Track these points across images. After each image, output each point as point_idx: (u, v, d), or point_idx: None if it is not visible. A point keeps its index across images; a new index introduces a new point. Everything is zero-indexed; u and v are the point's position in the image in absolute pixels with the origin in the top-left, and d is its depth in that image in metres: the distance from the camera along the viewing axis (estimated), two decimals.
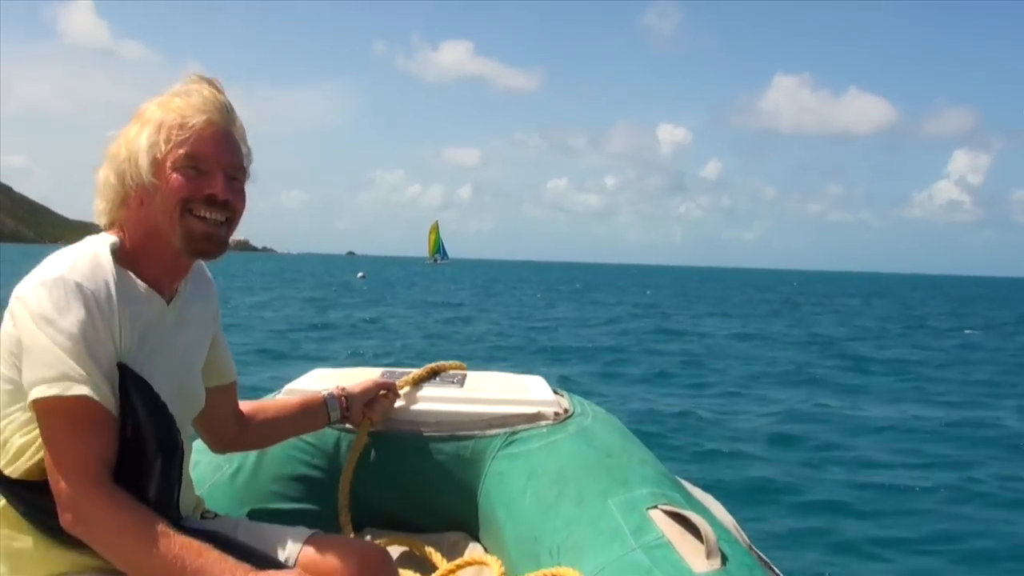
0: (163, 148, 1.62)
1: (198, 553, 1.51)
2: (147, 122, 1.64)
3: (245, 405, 2.16)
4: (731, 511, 2.55)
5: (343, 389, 2.37)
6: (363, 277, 72.64)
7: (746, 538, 2.31)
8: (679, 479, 2.49)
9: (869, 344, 23.90)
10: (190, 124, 1.63)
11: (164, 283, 1.72)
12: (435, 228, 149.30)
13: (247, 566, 1.53)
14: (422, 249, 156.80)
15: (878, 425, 10.77)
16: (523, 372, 2.88)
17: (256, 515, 2.30)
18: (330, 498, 2.41)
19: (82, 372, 1.52)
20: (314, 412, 2.31)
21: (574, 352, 19.39)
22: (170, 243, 1.66)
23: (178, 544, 1.51)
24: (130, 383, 1.59)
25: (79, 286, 1.55)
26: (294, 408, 2.27)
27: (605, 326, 27.68)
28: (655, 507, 2.07)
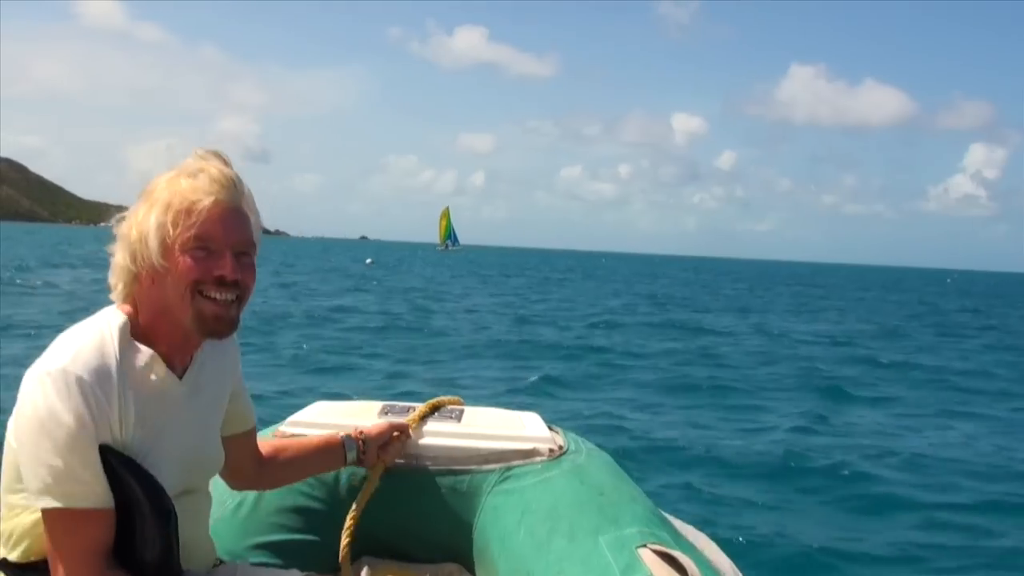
0: (171, 231, 1.65)
1: None
2: (155, 203, 1.66)
3: (265, 445, 2.23)
4: (729, 552, 2.59)
5: (361, 432, 2.44)
6: (371, 263, 70.39)
7: None
8: (671, 518, 2.54)
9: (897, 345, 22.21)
10: (198, 206, 1.65)
11: (176, 358, 1.76)
12: (446, 214, 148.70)
13: None
14: (435, 235, 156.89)
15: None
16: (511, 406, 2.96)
17: (258, 547, 2.39)
18: (331, 531, 2.46)
19: (76, 484, 1.58)
20: (333, 453, 2.39)
21: (549, 351, 17.39)
22: (181, 322, 1.70)
23: None
24: (121, 469, 1.63)
25: (79, 380, 1.57)
26: (313, 449, 2.35)
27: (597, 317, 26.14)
28: (644, 546, 2.13)
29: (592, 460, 2.59)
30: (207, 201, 1.65)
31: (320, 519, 2.50)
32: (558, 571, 2.14)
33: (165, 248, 1.65)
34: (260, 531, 2.43)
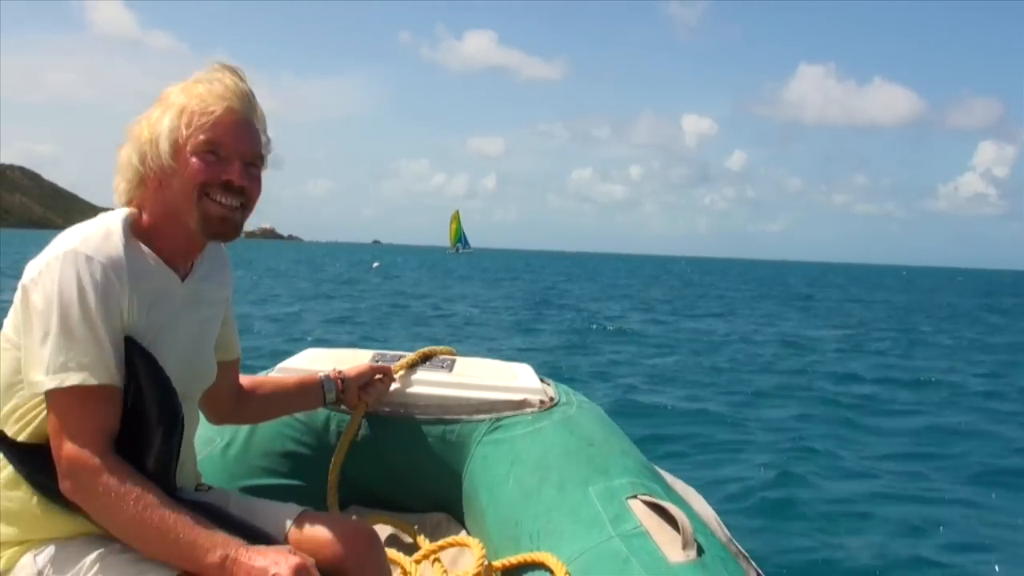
0: (184, 133, 1.67)
1: (192, 525, 1.57)
2: (170, 106, 1.69)
3: (243, 380, 2.22)
4: (715, 505, 2.56)
5: (340, 372, 2.44)
6: (378, 267, 66.63)
7: (726, 532, 2.34)
8: (661, 471, 2.52)
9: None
10: (211, 111, 1.67)
11: (178, 260, 1.77)
12: (456, 217, 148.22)
13: (238, 540, 1.59)
14: (447, 238, 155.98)
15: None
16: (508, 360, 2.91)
17: (245, 489, 2.35)
18: (318, 475, 2.47)
19: (82, 359, 1.58)
20: (311, 392, 2.37)
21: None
22: (186, 224, 1.71)
23: (174, 515, 1.57)
24: (135, 356, 1.65)
25: (89, 259, 1.60)
26: (291, 387, 2.34)
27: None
28: (634, 497, 2.11)
29: (583, 412, 2.58)
30: (221, 107, 1.68)
31: (307, 463, 2.50)
32: (547, 520, 2.14)
33: (176, 149, 1.67)
34: (247, 473, 2.43)
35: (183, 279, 1.78)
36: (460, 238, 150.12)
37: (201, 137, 1.67)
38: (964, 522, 6.28)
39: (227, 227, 1.74)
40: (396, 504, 2.58)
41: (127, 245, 1.66)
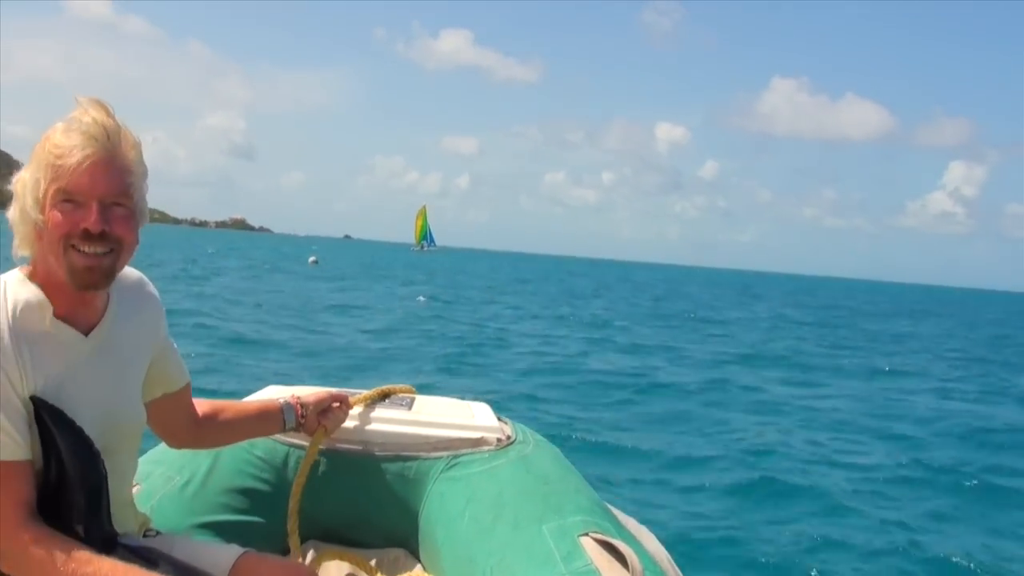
0: (43, 185, 1.66)
1: (126, 574, 1.62)
2: (32, 159, 1.69)
3: (204, 404, 2.25)
4: (667, 544, 2.67)
5: (298, 398, 2.49)
6: (315, 263, 59.54)
7: (677, 570, 2.46)
8: (614, 509, 2.58)
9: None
10: (64, 159, 1.65)
11: (79, 314, 1.76)
12: (422, 213, 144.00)
13: None
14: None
15: None
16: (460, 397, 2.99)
17: (204, 527, 2.39)
18: (278, 511, 2.49)
19: None
20: (270, 417, 2.42)
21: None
22: (62, 278, 1.70)
23: (106, 568, 1.61)
24: (46, 418, 1.66)
25: None
26: (251, 412, 2.38)
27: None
28: (586, 534, 2.17)
29: (539, 451, 2.64)
30: (74, 153, 1.64)
31: (267, 500, 2.52)
32: (500, 558, 2.18)
33: (39, 203, 1.66)
34: (205, 510, 2.43)
35: (88, 332, 1.77)
36: (426, 235, 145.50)
37: (55, 187, 1.65)
38: None
39: (94, 276, 1.70)
40: (354, 540, 2.62)
41: (17, 310, 1.67)
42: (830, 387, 16.07)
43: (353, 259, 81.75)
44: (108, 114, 1.69)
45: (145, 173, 1.75)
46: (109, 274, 1.72)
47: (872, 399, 14.70)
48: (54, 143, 1.66)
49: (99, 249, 1.68)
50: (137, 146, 1.73)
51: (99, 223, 1.66)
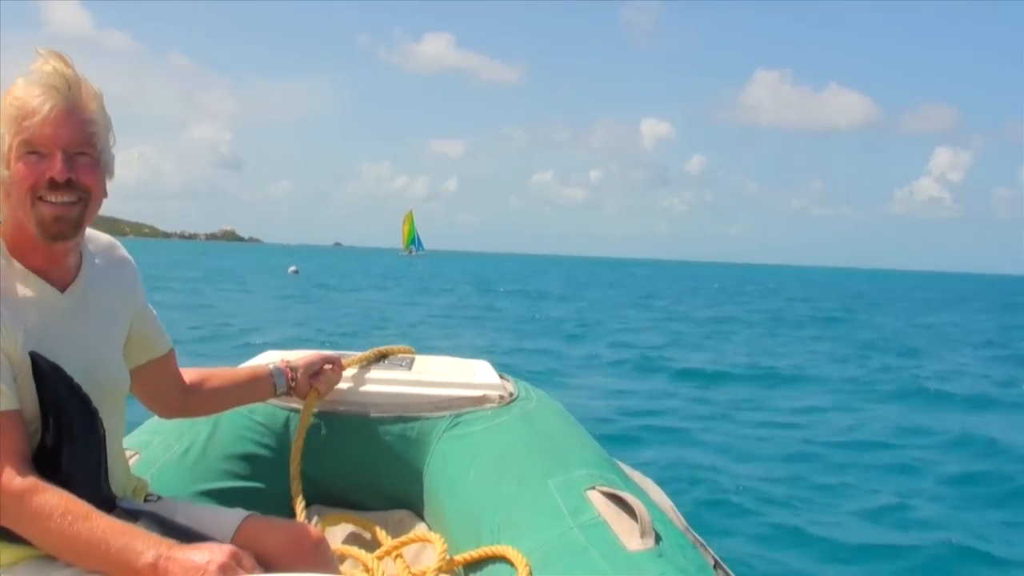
0: (7, 139, 1.65)
1: (122, 532, 1.56)
2: None
3: (193, 372, 2.23)
4: (672, 496, 2.67)
5: (288, 362, 2.47)
6: (295, 272, 55.17)
7: (683, 520, 2.44)
8: (618, 462, 2.60)
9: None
10: (26, 111, 1.64)
11: (52, 271, 1.75)
12: (409, 218, 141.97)
13: (171, 541, 1.56)
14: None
15: None
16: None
17: (206, 494, 2.39)
18: (279, 476, 2.50)
19: None
20: (261, 382, 2.39)
21: None
22: (32, 231, 1.69)
23: (102, 525, 1.56)
24: (38, 371, 1.65)
25: None
26: (241, 378, 2.36)
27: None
28: (593, 488, 2.17)
29: (542, 407, 2.64)
30: (35, 103, 1.63)
31: (268, 465, 2.51)
32: (507, 513, 2.18)
33: (4, 158, 1.65)
34: (207, 477, 2.43)
35: (64, 289, 1.76)
36: (413, 240, 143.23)
37: (19, 139, 1.64)
38: None
39: (63, 226, 1.68)
40: (358, 503, 2.62)
41: None
42: None
43: (337, 267, 78.89)
44: (68, 64, 1.68)
45: (108, 125, 1.74)
46: (78, 224, 1.71)
47: None
48: (15, 96, 1.65)
49: (66, 198, 1.66)
50: (98, 97, 1.72)
51: (65, 171, 1.64)
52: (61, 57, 1.69)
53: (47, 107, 1.64)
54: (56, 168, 1.64)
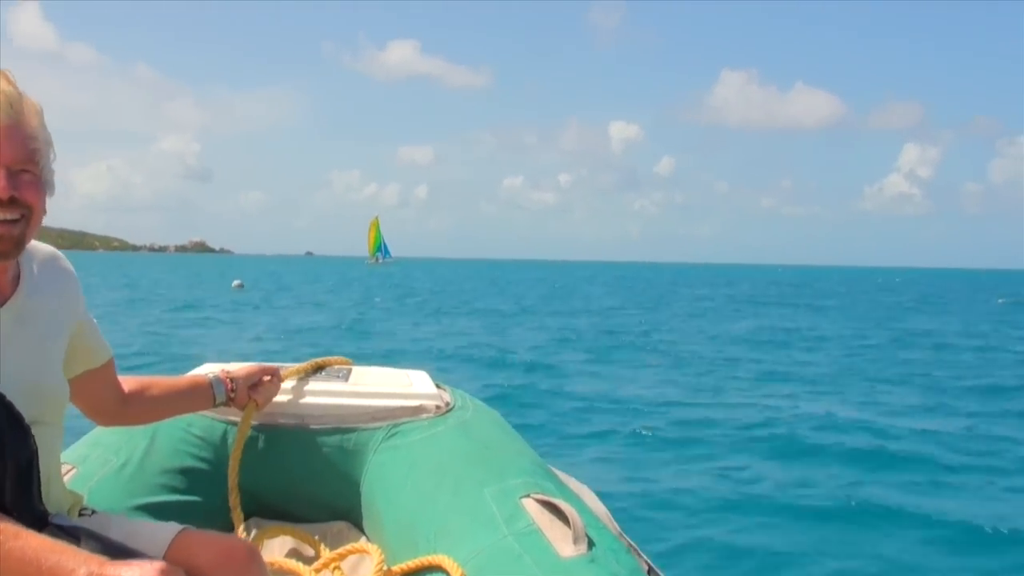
0: None
1: (52, 550, 1.54)
2: None
3: (131, 381, 2.25)
4: (605, 501, 2.70)
5: (228, 372, 2.50)
6: (239, 286, 50.57)
7: (616, 526, 2.45)
8: (554, 469, 2.64)
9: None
10: None
11: None
12: (375, 225, 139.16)
13: (102, 558, 1.55)
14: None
15: None
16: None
17: (143, 508, 2.39)
18: (217, 489, 2.51)
19: None
20: (200, 392, 2.41)
21: None
22: None
23: (33, 544, 1.54)
24: None
25: None
26: (180, 387, 2.38)
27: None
28: (527, 496, 2.22)
29: (479, 416, 2.68)
30: None
31: (206, 478, 2.53)
32: (443, 523, 2.22)
33: None
34: (144, 491, 2.43)
35: (2, 304, 1.75)
36: (380, 247, 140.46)
37: None
38: None
39: (5, 244, 1.68)
40: (297, 515, 2.64)
41: None
42: None
43: (296, 278, 75.25)
44: (9, 81, 1.69)
45: (50, 141, 1.75)
46: (20, 242, 1.71)
47: None
48: None
49: (9, 216, 1.66)
50: (40, 113, 1.73)
51: (7, 188, 1.64)
52: (2, 74, 1.69)
53: None
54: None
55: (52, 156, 1.76)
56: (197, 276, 74.84)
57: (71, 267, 1.98)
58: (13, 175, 1.67)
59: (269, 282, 62.61)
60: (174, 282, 58.96)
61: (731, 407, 11.59)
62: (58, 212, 1.78)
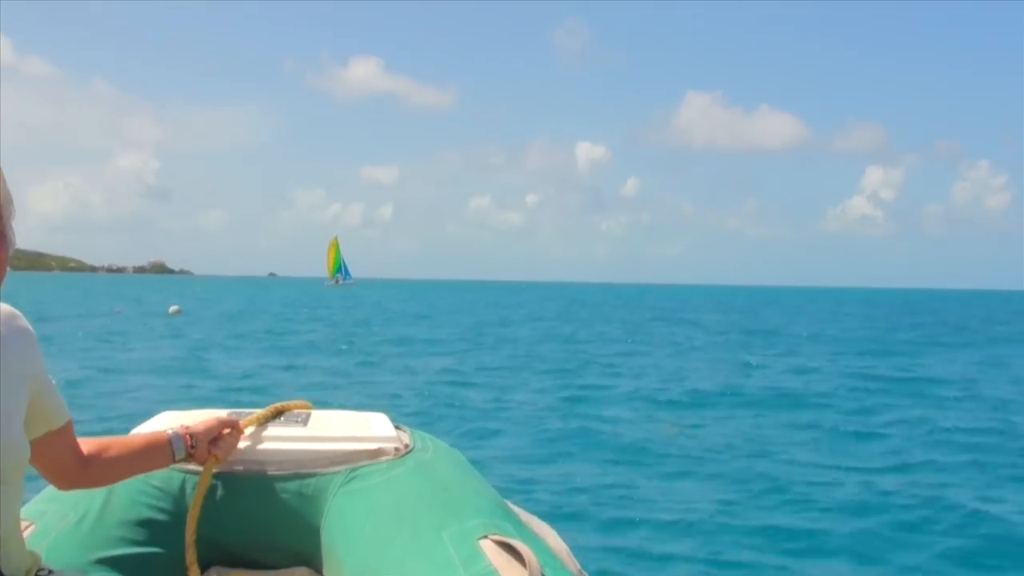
0: None
1: None
2: None
3: (89, 443, 2.25)
4: (566, 538, 2.72)
5: (187, 428, 2.49)
6: (176, 312, 48.13)
7: (576, 563, 2.52)
8: (514, 508, 2.65)
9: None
10: None
11: None
12: (334, 245, 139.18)
13: None
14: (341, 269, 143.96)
15: None
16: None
17: (102, 563, 2.38)
18: (177, 541, 2.49)
19: None
20: (159, 450, 2.42)
21: None
22: None
23: None
24: None
25: None
26: (138, 446, 2.39)
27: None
28: (485, 537, 2.24)
29: (439, 457, 2.70)
30: None
31: (165, 529, 2.51)
32: (401, 567, 2.22)
33: None
34: (103, 546, 2.41)
35: None
36: (340, 268, 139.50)
37: None
38: None
39: None
40: (258, 562, 2.62)
41: None
42: None
43: (240, 302, 72.12)
44: None
45: (10, 199, 1.78)
46: None
47: None
48: None
49: None
50: (2, 172, 1.75)
51: None
52: None
53: None
54: None
55: (12, 212, 1.80)
56: (137, 300, 71.75)
57: (29, 325, 1.99)
58: None
59: (213, 306, 59.89)
60: (93, 308, 52.58)
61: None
62: (10, 217, 1.82)
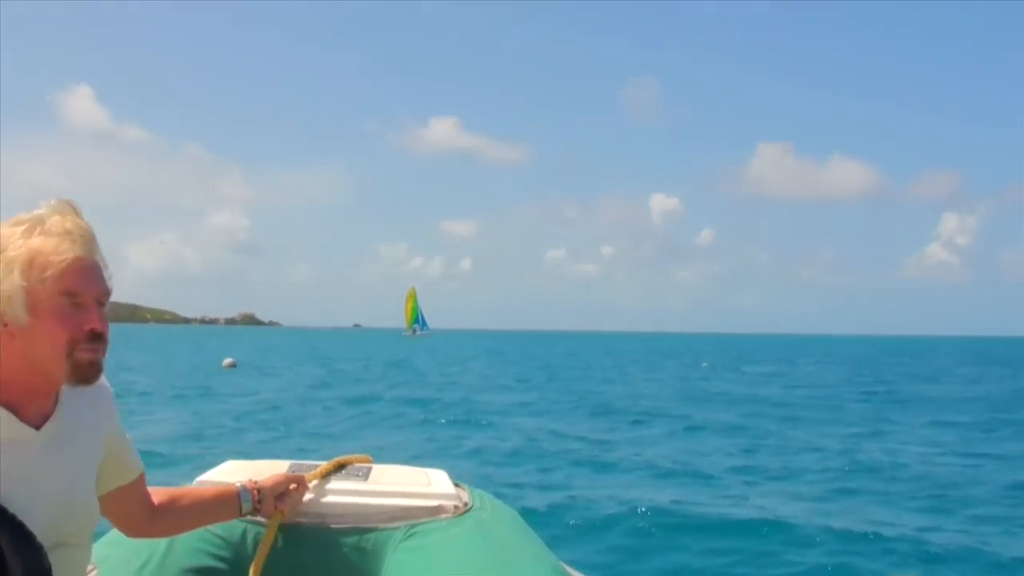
0: (36, 287, 1.67)
1: None
2: (13, 261, 1.68)
3: (159, 493, 2.27)
4: None
5: (255, 482, 2.52)
6: (231, 365, 44.20)
7: None
8: (572, 571, 2.68)
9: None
10: (61, 263, 1.69)
11: (30, 409, 1.75)
12: (412, 295, 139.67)
13: None
14: (428, 320, 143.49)
15: None
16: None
17: None
18: None
19: None
20: (227, 504, 2.45)
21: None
22: (49, 375, 1.74)
23: None
24: None
25: None
26: (208, 499, 2.41)
27: None
28: None
29: (497, 517, 2.68)
30: (70, 256, 1.69)
31: None
32: None
33: (31, 305, 1.67)
34: None
35: (40, 426, 1.76)
36: (417, 318, 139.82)
37: (57, 290, 1.68)
38: None
39: (96, 371, 1.77)
40: None
41: None
42: None
43: (306, 353, 67.08)
44: (80, 215, 1.77)
45: (108, 271, 1.80)
46: (102, 368, 1.79)
47: None
48: (44, 246, 1.68)
49: (102, 347, 1.75)
50: (99, 247, 1.79)
51: (103, 322, 1.73)
52: (76, 209, 1.77)
53: (81, 260, 1.71)
54: (97, 320, 1.73)
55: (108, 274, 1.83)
56: (199, 351, 67.08)
57: (107, 384, 1.99)
58: (100, 308, 1.75)
59: (275, 359, 54.97)
60: (144, 363, 46.59)
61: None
62: (113, 285, 1.81)
